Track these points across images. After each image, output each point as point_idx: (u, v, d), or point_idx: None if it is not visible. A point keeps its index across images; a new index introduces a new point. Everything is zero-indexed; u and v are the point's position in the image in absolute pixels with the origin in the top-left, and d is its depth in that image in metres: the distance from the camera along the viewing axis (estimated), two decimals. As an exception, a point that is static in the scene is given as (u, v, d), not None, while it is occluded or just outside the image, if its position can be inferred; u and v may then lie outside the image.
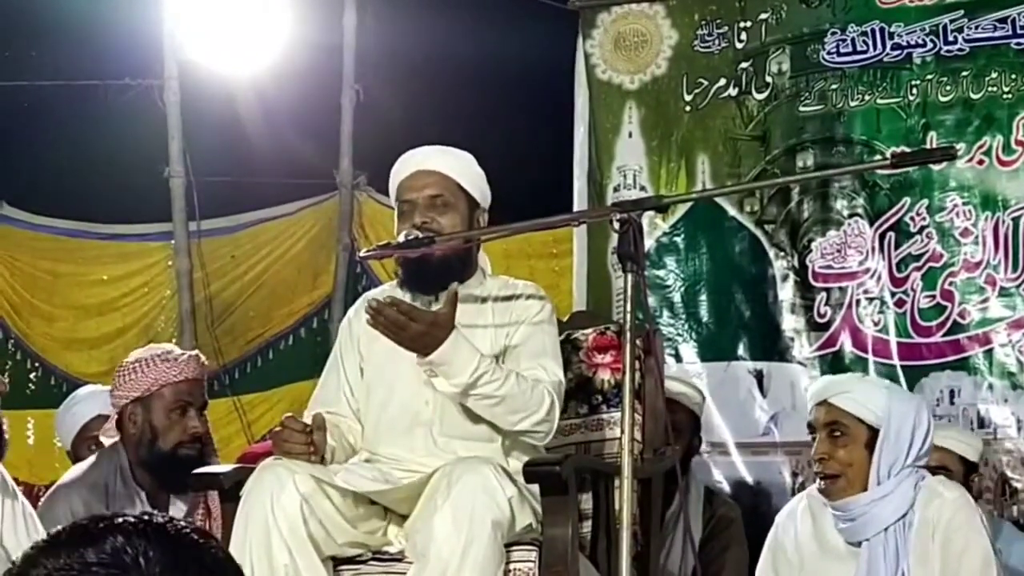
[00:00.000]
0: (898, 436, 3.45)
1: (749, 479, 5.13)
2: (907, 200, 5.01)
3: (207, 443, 4.06)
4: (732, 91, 5.27)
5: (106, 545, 1.29)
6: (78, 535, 1.30)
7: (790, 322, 5.13)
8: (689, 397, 4.60)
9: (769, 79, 5.22)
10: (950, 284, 4.91)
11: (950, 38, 4.96)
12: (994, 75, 4.91)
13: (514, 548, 3.23)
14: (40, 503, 4.04)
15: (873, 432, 3.47)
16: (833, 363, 5.02)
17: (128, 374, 3.97)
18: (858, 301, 5.03)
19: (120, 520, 1.31)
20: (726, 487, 5.09)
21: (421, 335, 3.24)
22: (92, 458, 4.08)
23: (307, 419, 3.42)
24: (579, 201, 5.46)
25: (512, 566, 3.22)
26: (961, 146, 4.84)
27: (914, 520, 3.44)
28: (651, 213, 4.82)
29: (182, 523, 1.34)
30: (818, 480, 3.54)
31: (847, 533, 3.52)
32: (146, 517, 1.32)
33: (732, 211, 5.23)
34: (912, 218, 4.99)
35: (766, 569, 3.69)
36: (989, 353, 4.85)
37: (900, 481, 3.45)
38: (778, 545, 3.66)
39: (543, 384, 3.37)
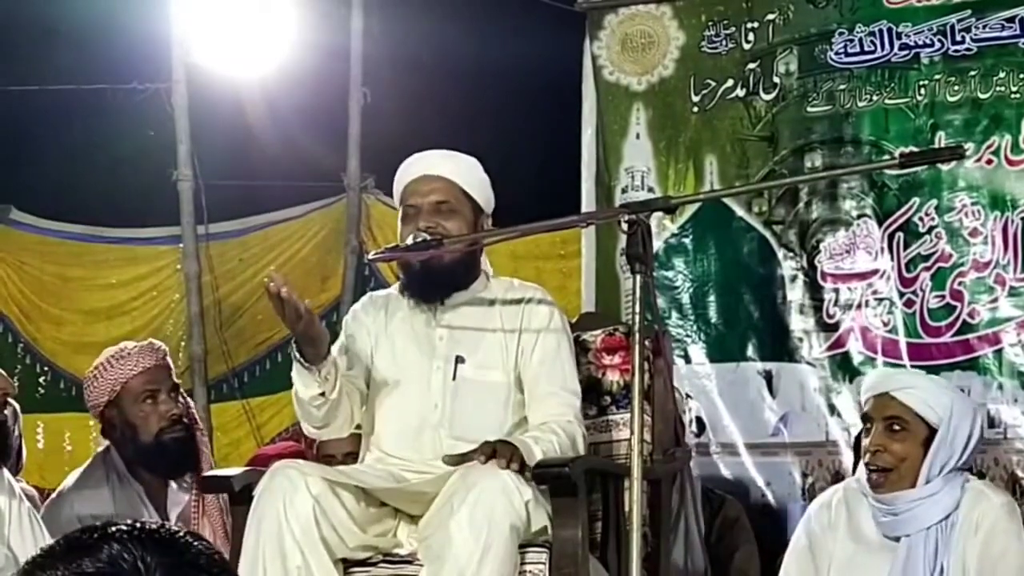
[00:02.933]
0: (955, 438, 3.47)
1: (759, 480, 5.12)
2: (916, 200, 5.00)
3: (192, 422, 4.08)
4: (740, 92, 5.26)
5: (102, 554, 1.30)
6: (74, 547, 1.32)
7: (799, 323, 5.12)
8: None
9: (777, 80, 5.21)
10: (959, 284, 4.90)
11: (958, 38, 4.95)
12: (1002, 75, 4.90)
13: (525, 550, 3.23)
14: (44, 507, 4.06)
15: (931, 431, 3.48)
16: (842, 364, 5.02)
17: (91, 383, 4.05)
18: (867, 302, 5.02)
19: (113, 529, 1.33)
20: (735, 487, 5.09)
21: (506, 447, 3.24)
22: (87, 463, 4.13)
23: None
24: (587, 203, 5.45)
25: (523, 568, 3.22)
26: (969, 146, 4.83)
27: (957, 520, 3.46)
28: (659, 214, 4.79)
29: (175, 527, 1.36)
30: (867, 471, 3.53)
31: (887, 527, 3.51)
32: (139, 524, 1.34)
33: (740, 212, 5.23)
34: (921, 218, 4.99)
35: (795, 558, 3.67)
36: (999, 353, 4.84)
37: (948, 481, 3.47)
38: (811, 535, 3.65)
39: (570, 417, 3.45)
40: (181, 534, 1.34)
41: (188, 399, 4.17)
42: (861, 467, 3.62)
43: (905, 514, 3.48)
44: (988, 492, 3.54)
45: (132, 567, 1.29)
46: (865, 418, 3.59)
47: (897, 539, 3.50)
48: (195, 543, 1.34)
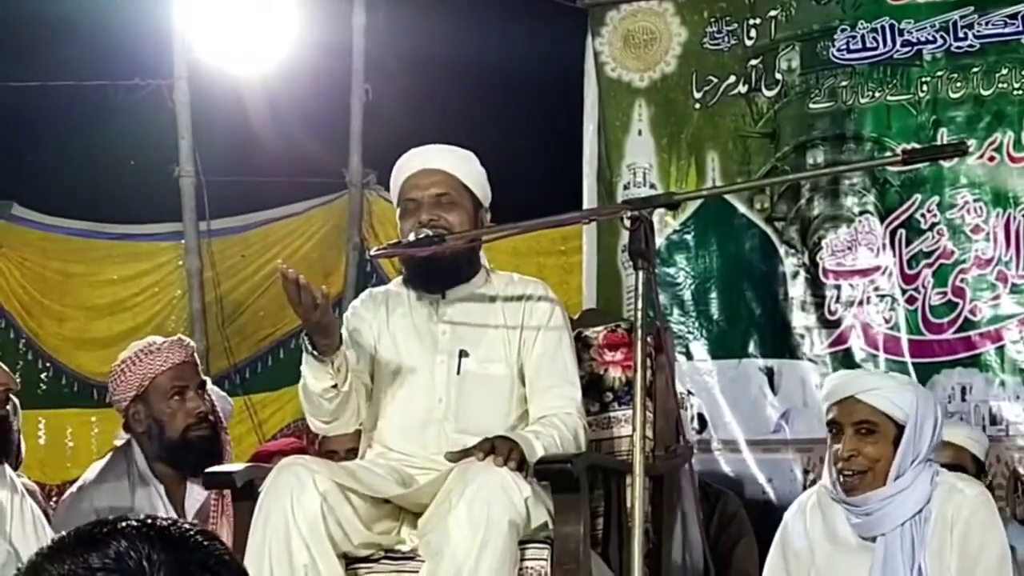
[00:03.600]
0: (921, 432, 3.47)
1: (760, 476, 5.12)
2: (918, 197, 5.00)
3: (217, 420, 4.06)
4: (742, 88, 5.26)
5: (110, 550, 1.29)
6: (82, 540, 1.31)
7: (801, 319, 5.12)
8: None
9: (779, 76, 5.21)
10: (961, 281, 4.90)
11: (960, 34, 4.95)
12: (1004, 71, 4.91)
13: (526, 546, 3.23)
14: (63, 501, 4.06)
15: (899, 428, 3.48)
16: (844, 360, 5.02)
17: (118, 376, 4.00)
18: (869, 298, 5.02)
19: (123, 524, 1.32)
20: (736, 484, 5.09)
21: (505, 443, 3.23)
22: (106, 457, 4.11)
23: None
24: (589, 199, 5.46)
25: (525, 564, 3.22)
26: (972, 142, 4.83)
27: (931, 514, 3.44)
28: (661, 210, 4.82)
29: (186, 525, 1.34)
30: (841, 477, 3.52)
31: (862, 528, 3.51)
32: (149, 520, 1.33)
33: (742, 208, 5.23)
34: (923, 215, 4.99)
35: (775, 567, 3.68)
36: (1000, 350, 4.84)
37: (917, 475, 3.46)
38: (787, 542, 3.65)
39: (571, 410, 3.45)
40: (192, 532, 1.33)
41: (211, 397, 4.14)
42: (826, 472, 3.60)
43: (878, 513, 3.47)
44: (960, 485, 3.51)
45: (137, 564, 1.28)
46: (832, 424, 3.57)
47: (873, 539, 3.49)
48: (206, 542, 1.33)
